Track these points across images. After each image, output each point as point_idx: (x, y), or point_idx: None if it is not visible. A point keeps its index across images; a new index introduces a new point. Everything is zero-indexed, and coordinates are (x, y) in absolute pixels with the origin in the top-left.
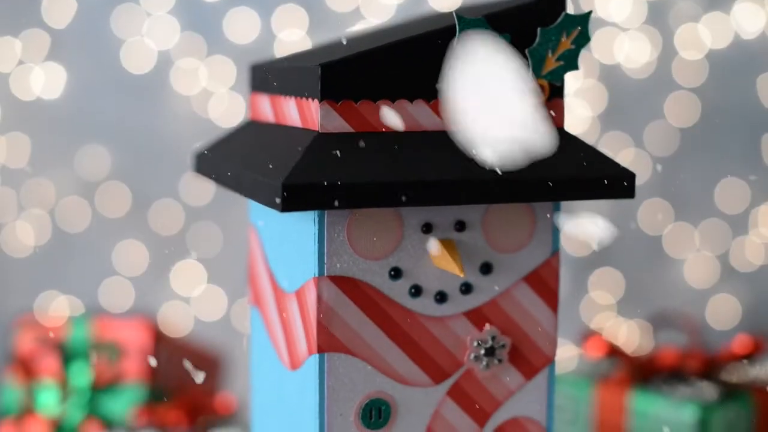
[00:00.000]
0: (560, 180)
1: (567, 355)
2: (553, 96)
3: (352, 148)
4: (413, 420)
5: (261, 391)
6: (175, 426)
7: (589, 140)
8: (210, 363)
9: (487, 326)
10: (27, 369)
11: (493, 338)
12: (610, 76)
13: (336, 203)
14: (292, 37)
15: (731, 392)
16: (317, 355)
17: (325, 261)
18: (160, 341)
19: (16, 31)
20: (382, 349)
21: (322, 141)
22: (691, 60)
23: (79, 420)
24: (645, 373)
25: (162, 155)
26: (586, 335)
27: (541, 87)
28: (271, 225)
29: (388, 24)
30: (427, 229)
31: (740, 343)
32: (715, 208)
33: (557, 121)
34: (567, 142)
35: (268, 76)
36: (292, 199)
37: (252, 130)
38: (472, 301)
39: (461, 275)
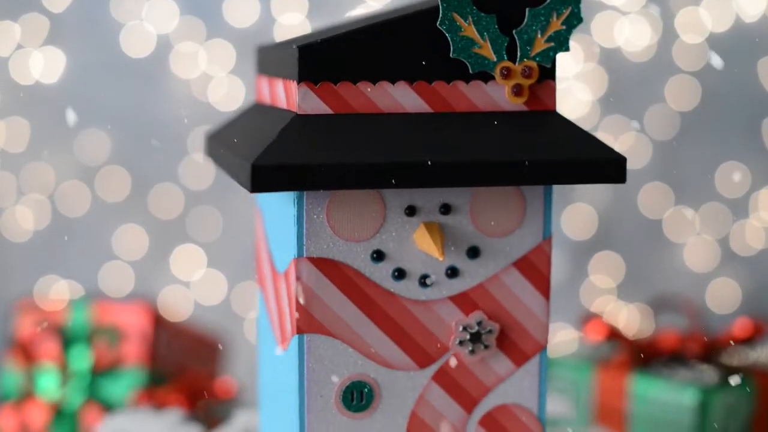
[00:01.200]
0: (549, 163)
1: (567, 338)
2: (543, 78)
3: (329, 129)
4: (397, 404)
5: (263, 373)
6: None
7: (590, 124)
8: (210, 347)
9: (475, 312)
10: (27, 353)
11: (480, 323)
12: (610, 59)
13: (306, 185)
14: (292, 20)
15: (731, 375)
16: (297, 336)
17: (304, 242)
18: (160, 325)
19: (15, 15)
20: (364, 331)
21: (299, 122)
22: (692, 43)
23: (79, 404)
24: (645, 356)
25: (162, 139)
26: (586, 319)
27: (530, 69)
28: (271, 207)
29: (388, 8)
30: (411, 211)
31: (740, 326)
32: (716, 192)
33: (548, 104)
34: (558, 125)
35: (265, 58)
36: (260, 180)
37: (253, 112)
38: (459, 286)
39: (441, 258)
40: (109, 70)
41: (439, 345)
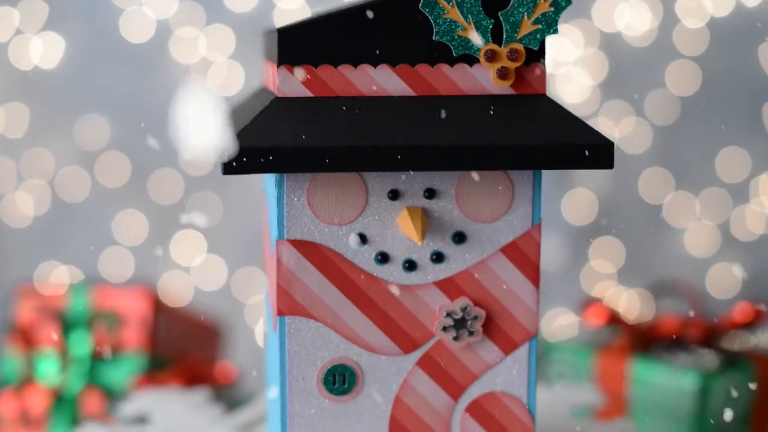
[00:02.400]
0: (533, 148)
1: (567, 323)
2: (531, 61)
3: (308, 112)
4: (380, 388)
5: (268, 355)
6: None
7: (590, 109)
8: (210, 332)
9: (460, 298)
10: (27, 338)
11: (464, 309)
12: (611, 44)
13: (277, 167)
14: (292, 5)
15: (732, 360)
16: (278, 318)
17: (285, 224)
18: (160, 310)
19: (14, 0)
20: (347, 315)
21: (277, 105)
22: (693, 28)
23: (79, 389)
24: (646, 341)
25: (161, 124)
26: (587, 304)
27: (516, 51)
28: (269, 191)
29: None
30: (394, 195)
31: (741, 311)
32: (716, 177)
33: (537, 87)
34: (547, 109)
35: (264, 42)
36: (231, 163)
37: (254, 95)
38: (444, 271)
39: (419, 243)
40: (109, 56)
41: (423, 331)
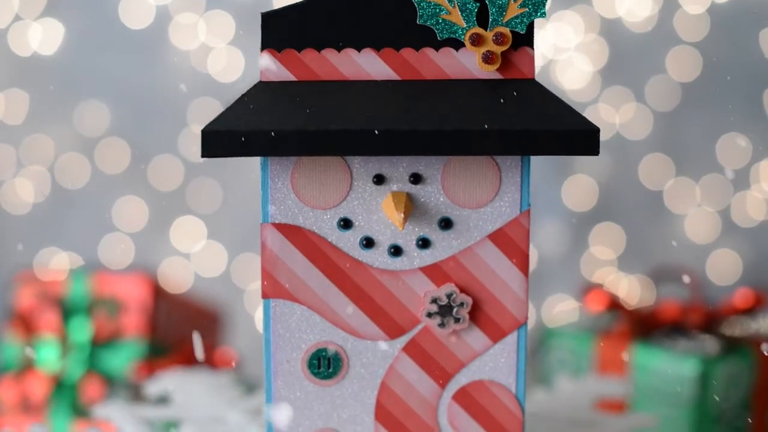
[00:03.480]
0: (516, 133)
1: (567, 308)
2: (519, 45)
3: (290, 96)
4: (366, 373)
5: None
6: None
7: (590, 95)
8: (210, 318)
9: (446, 284)
10: (27, 325)
11: (450, 296)
12: (611, 30)
13: (255, 151)
14: None
15: (732, 346)
16: (263, 301)
17: (269, 208)
18: (160, 296)
19: None
20: (331, 299)
21: (260, 89)
22: (693, 14)
23: (79, 375)
24: (646, 326)
25: (161, 111)
26: (587, 289)
27: (502, 35)
28: None
29: None
30: (379, 180)
31: (741, 296)
32: (717, 163)
33: (525, 72)
34: (533, 94)
35: None
36: (208, 145)
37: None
38: (430, 257)
39: (400, 228)
40: (108, 42)
41: (409, 317)
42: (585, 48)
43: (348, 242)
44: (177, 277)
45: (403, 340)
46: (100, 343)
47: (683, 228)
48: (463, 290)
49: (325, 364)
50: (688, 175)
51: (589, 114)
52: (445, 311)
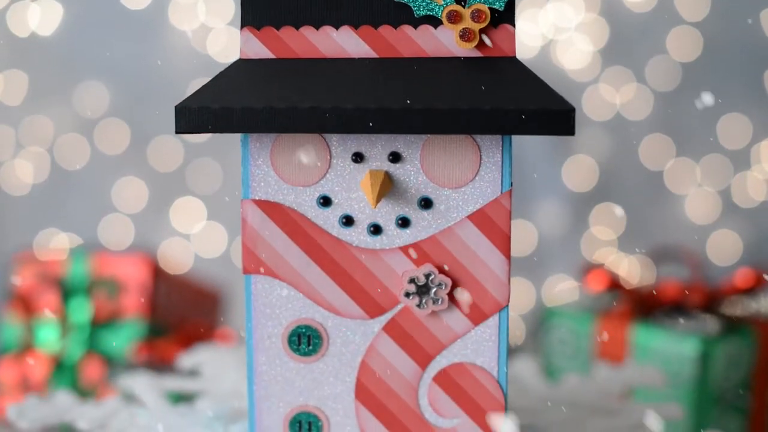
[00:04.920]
0: (489, 112)
1: (567, 287)
2: (499, 22)
3: (268, 73)
4: (346, 351)
5: None
6: (174, 361)
7: (591, 75)
8: (210, 298)
9: (424, 264)
10: (26, 305)
11: (428, 276)
12: (612, 10)
13: (227, 127)
14: None
15: (733, 326)
16: (244, 277)
17: (249, 184)
18: (160, 277)
19: None
20: (311, 276)
21: (239, 66)
22: None
23: (79, 355)
24: (647, 306)
25: (160, 91)
26: (587, 269)
27: (480, 12)
28: None
29: None
30: (358, 158)
31: (742, 276)
32: (717, 144)
33: (506, 49)
34: (511, 72)
35: None
36: (182, 122)
37: None
38: (410, 236)
39: (372, 206)
40: (107, 22)
41: (388, 296)
42: (585, 28)
43: (328, 220)
44: (177, 258)
45: (383, 319)
46: (100, 324)
47: (683, 208)
48: (442, 271)
49: (305, 341)
50: (688, 155)
51: (589, 94)
52: (423, 291)
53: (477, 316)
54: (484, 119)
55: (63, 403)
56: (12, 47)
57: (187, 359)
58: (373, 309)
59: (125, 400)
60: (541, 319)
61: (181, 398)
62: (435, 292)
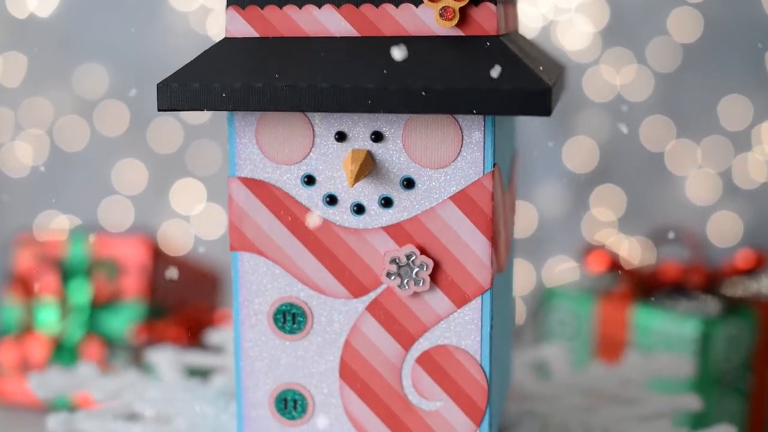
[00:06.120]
0: (463, 92)
1: (568, 268)
2: (480, 0)
3: (251, 52)
4: (330, 330)
5: None
6: (174, 342)
7: (591, 56)
8: (209, 280)
9: (406, 245)
10: (26, 287)
11: (409, 257)
12: None
13: (207, 105)
14: None
15: (734, 306)
16: (231, 254)
17: (235, 162)
18: (160, 259)
19: None
20: (296, 255)
21: (224, 45)
22: None
23: (78, 337)
24: (647, 287)
25: (160, 73)
26: (588, 251)
27: None
28: None
29: None
30: (341, 137)
31: (742, 257)
32: (718, 125)
33: (487, 28)
34: (490, 52)
35: None
36: (162, 99)
37: None
38: (393, 216)
39: (350, 185)
40: (106, 3)
41: (371, 276)
42: (586, 9)
43: (311, 199)
44: (177, 240)
45: (367, 299)
46: (100, 305)
47: (684, 190)
48: (425, 252)
49: (290, 319)
50: (689, 136)
51: (590, 75)
52: (404, 272)
53: (459, 299)
54: (459, 99)
55: (84, 374)
56: (11, 29)
57: (214, 335)
58: (356, 289)
59: (146, 372)
60: (542, 300)
61: (200, 373)
62: (416, 273)
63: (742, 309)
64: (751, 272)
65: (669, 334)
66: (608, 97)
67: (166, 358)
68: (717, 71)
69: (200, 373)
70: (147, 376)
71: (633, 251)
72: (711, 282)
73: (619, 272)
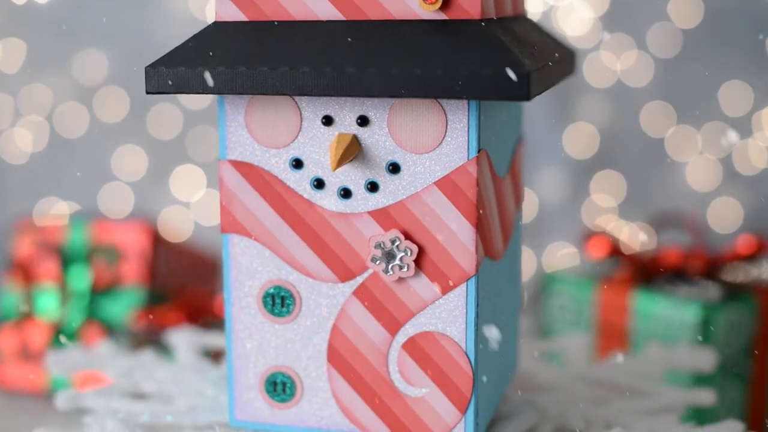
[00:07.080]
0: (441, 77)
1: (568, 253)
2: None
3: (239, 36)
4: (318, 314)
5: None
6: (174, 328)
7: (591, 42)
8: (209, 266)
9: (391, 230)
10: (26, 273)
11: (394, 242)
12: None
13: (194, 88)
14: None
15: (734, 292)
16: (222, 236)
17: (225, 145)
18: (160, 245)
19: None
20: (284, 238)
21: (213, 29)
22: None
23: (78, 323)
24: (648, 273)
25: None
26: (588, 236)
27: None
28: None
29: None
30: (328, 121)
31: (743, 243)
32: (718, 111)
33: (471, 13)
34: (473, 36)
35: None
36: (150, 83)
37: None
38: (378, 201)
39: (332, 169)
40: None
41: (358, 261)
42: None
43: (299, 182)
44: (177, 226)
45: (354, 284)
46: (100, 291)
47: (684, 175)
48: (409, 237)
49: (279, 302)
50: (689, 122)
51: (590, 61)
52: (389, 257)
53: (445, 285)
54: (438, 83)
55: (102, 352)
56: (10, 15)
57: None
58: (343, 273)
59: (162, 352)
60: (542, 286)
61: (216, 355)
62: (401, 258)
63: (743, 294)
64: (751, 258)
65: (669, 320)
66: (608, 83)
67: (182, 339)
68: (717, 57)
69: (218, 355)
70: (162, 356)
71: (633, 237)
72: (711, 267)
73: (620, 258)
